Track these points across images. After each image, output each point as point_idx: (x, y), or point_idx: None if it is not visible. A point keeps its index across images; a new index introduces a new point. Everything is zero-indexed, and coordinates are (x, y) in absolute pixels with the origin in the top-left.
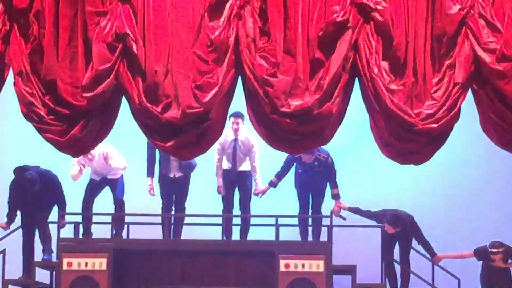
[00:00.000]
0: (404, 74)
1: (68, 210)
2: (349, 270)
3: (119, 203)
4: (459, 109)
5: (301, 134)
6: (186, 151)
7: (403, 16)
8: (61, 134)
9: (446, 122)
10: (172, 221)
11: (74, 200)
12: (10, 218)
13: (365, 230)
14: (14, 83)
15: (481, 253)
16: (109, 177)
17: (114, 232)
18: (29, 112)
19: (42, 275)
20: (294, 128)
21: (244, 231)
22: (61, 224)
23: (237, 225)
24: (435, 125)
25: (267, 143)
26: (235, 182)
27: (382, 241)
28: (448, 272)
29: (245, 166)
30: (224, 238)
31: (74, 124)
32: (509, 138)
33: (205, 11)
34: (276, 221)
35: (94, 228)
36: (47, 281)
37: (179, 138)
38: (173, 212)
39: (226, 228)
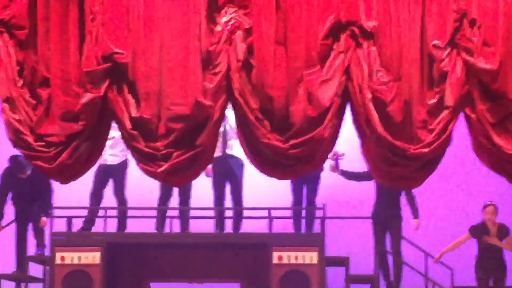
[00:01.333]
0: (395, 98)
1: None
2: (342, 261)
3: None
4: (451, 133)
5: (293, 159)
6: (177, 177)
7: (395, 41)
8: (50, 160)
9: (437, 146)
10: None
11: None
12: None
13: (358, 222)
14: (2, 110)
15: (476, 228)
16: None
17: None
18: (17, 140)
19: (35, 270)
20: (285, 153)
21: (237, 224)
22: (41, 225)
23: (229, 217)
24: (426, 150)
25: (259, 170)
26: (226, 173)
27: (374, 232)
28: (441, 262)
29: (235, 151)
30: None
31: (62, 150)
32: (501, 163)
33: (197, 37)
34: (269, 213)
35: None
36: (41, 276)
37: (169, 164)
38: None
39: (219, 221)
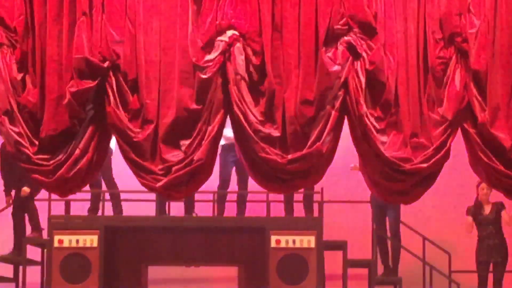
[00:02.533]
0: (394, 113)
1: None
2: (340, 246)
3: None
4: (449, 148)
5: (291, 174)
6: (175, 192)
7: (395, 54)
8: (49, 174)
9: (435, 161)
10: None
11: None
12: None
13: (356, 206)
14: (1, 123)
15: (471, 208)
16: None
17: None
18: (17, 152)
19: (33, 252)
20: (284, 168)
21: (241, 209)
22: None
23: (233, 201)
24: (424, 165)
25: (258, 183)
26: (235, 161)
27: (373, 216)
28: (439, 247)
29: None
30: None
31: (62, 164)
32: (499, 178)
33: (197, 52)
34: (267, 197)
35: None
36: (38, 259)
37: (168, 179)
38: None
39: (220, 205)
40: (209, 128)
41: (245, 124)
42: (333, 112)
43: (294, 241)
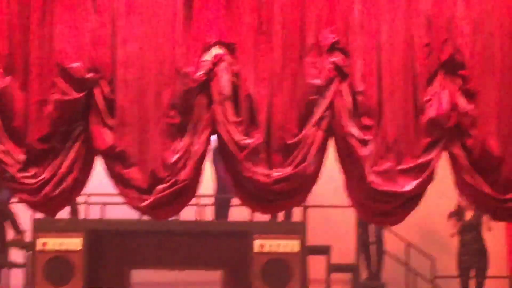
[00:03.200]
0: (378, 134)
1: None
2: (324, 250)
3: None
4: (434, 170)
5: (276, 194)
6: (161, 211)
7: (378, 72)
8: (34, 193)
9: (420, 184)
10: None
11: None
12: None
13: (340, 211)
14: None
15: (452, 213)
16: None
17: None
18: (1, 171)
19: (16, 255)
20: (269, 188)
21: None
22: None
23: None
24: (409, 188)
25: (242, 203)
26: None
27: (358, 221)
28: (423, 251)
29: None
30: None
31: (47, 182)
32: (485, 201)
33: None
34: None
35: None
36: (21, 261)
37: (153, 198)
38: None
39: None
40: (194, 148)
41: (230, 144)
42: (319, 133)
43: (278, 246)
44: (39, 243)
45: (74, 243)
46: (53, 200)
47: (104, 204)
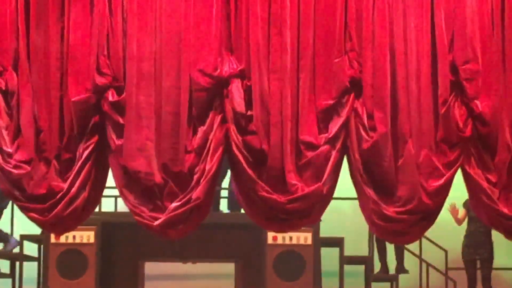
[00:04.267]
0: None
1: None
2: (337, 242)
3: None
4: (448, 190)
5: (290, 213)
6: (173, 231)
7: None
8: (44, 212)
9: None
10: None
11: None
12: None
13: (353, 202)
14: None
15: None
16: None
17: None
18: (11, 191)
19: (30, 248)
20: (283, 207)
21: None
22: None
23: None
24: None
25: (255, 222)
26: None
27: None
28: (436, 244)
29: None
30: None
31: (58, 202)
32: (500, 220)
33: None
34: None
35: None
36: (35, 254)
37: (165, 217)
38: None
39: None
40: (208, 166)
41: (245, 164)
42: (333, 153)
43: (291, 238)
44: (53, 236)
45: (87, 235)
46: (63, 220)
47: (117, 196)
